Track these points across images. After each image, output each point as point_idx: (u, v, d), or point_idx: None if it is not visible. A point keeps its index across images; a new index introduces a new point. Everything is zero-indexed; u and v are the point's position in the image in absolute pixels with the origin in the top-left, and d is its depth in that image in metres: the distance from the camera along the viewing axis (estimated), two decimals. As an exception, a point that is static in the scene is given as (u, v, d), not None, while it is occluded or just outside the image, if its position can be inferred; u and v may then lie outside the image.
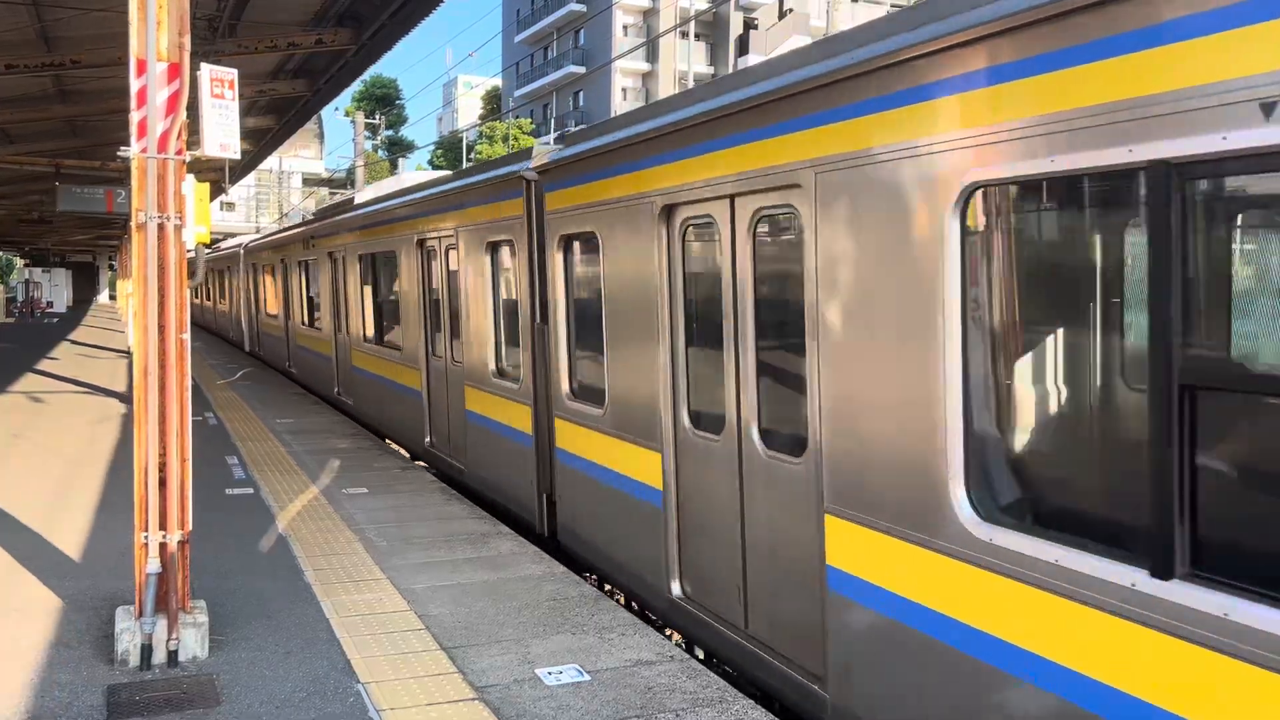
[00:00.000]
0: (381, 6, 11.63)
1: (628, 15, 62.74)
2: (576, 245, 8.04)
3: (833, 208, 4.84)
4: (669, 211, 6.48)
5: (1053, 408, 4.05)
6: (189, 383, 5.98)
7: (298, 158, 60.68)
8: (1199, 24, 3.12)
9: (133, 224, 5.80)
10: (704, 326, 6.32)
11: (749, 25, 58.90)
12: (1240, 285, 3.38)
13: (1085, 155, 3.49)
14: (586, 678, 5.66)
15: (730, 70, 52.12)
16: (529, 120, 67.76)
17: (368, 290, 14.91)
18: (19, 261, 59.55)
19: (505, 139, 63.93)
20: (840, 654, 4.94)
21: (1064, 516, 3.90)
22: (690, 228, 6.37)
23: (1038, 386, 4.07)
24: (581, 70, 63.16)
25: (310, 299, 19.16)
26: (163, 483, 5.85)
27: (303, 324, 19.77)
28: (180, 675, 5.69)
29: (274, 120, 18.77)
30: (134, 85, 5.76)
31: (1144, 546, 3.41)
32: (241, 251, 28.37)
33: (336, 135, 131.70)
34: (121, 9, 5.90)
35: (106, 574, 7.58)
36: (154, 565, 5.81)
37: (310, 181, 62.50)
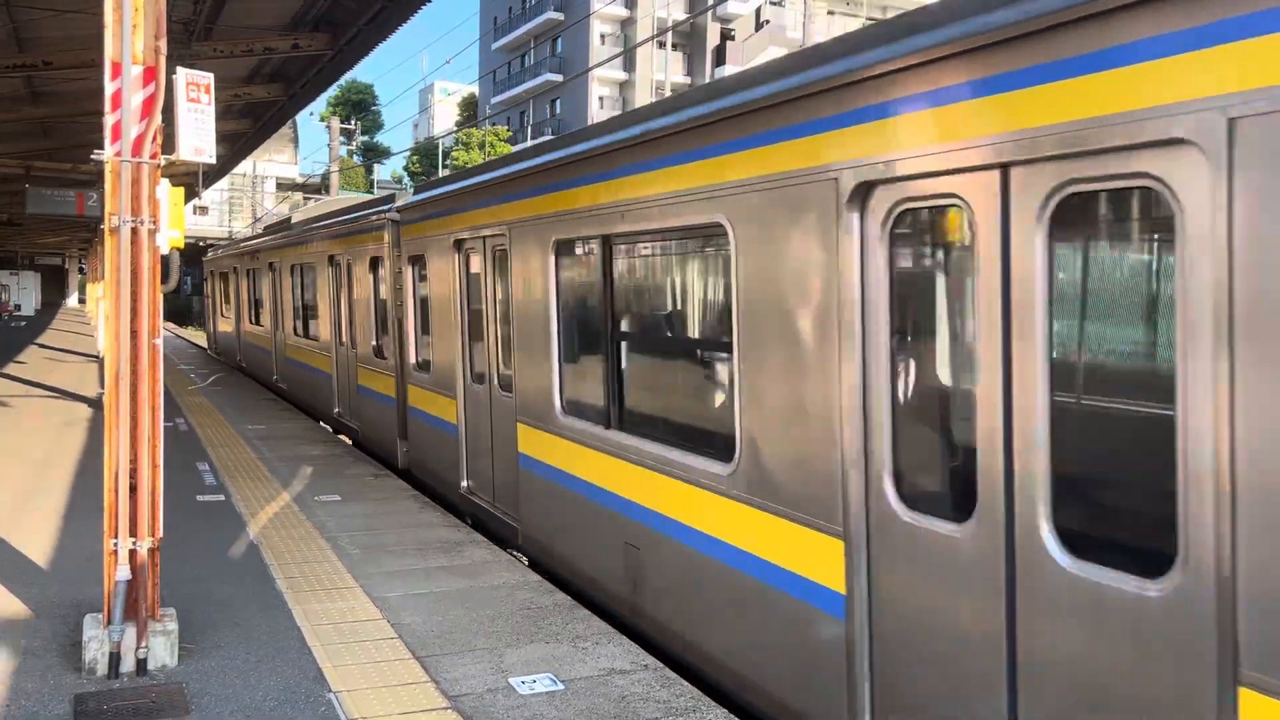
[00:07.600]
0: (358, 12, 11.61)
1: (605, 24, 62.75)
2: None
3: None
4: None
5: None
6: (161, 388, 5.93)
7: (272, 162, 60.38)
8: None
9: (106, 228, 5.75)
10: None
11: (726, 36, 59.09)
12: None
13: None
14: (560, 686, 5.65)
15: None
16: (505, 128, 67.69)
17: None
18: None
19: (481, 146, 63.84)
20: None
21: None
22: None
23: None
24: (559, 78, 63.11)
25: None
26: (133, 489, 5.80)
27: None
28: (149, 684, 5.63)
29: (249, 124, 18.68)
30: (109, 88, 5.71)
31: None
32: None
33: (311, 140, 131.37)
34: (95, 11, 5.86)
35: (74, 581, 7.49)
36: (123, 572, 5.75)
37: (284, 186, 62.14)
